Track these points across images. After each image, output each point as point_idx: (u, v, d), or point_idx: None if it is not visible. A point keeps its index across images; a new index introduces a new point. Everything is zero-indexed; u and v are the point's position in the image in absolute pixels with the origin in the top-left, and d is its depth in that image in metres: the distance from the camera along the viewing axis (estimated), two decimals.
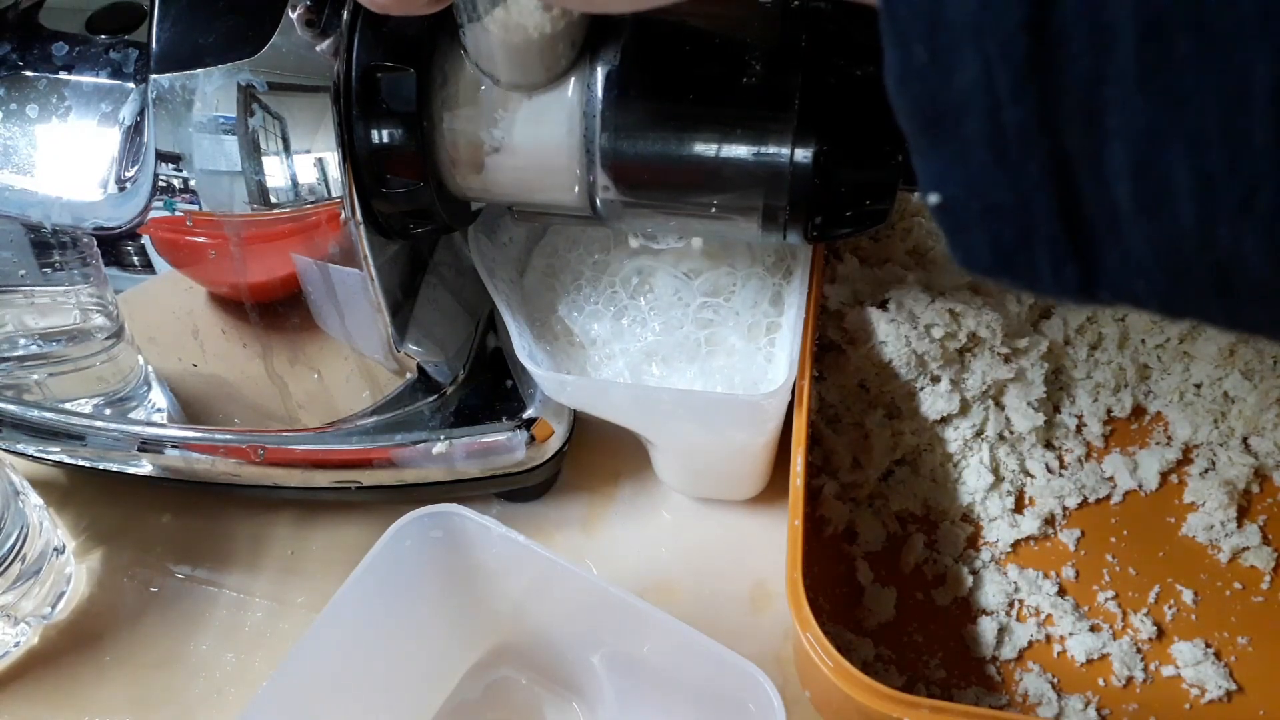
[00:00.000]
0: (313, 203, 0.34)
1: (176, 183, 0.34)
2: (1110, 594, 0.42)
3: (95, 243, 0.37)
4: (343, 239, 0.35)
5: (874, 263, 0.48)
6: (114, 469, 0.44)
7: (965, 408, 0.44)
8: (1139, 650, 0.40)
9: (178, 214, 0.35)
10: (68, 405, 0.43)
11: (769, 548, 0.45)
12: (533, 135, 0.34)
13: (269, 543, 0.46)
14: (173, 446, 0.43)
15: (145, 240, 0.36)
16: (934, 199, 0.18)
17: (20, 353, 0.41)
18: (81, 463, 0.44)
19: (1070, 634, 0.41)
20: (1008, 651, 0.40)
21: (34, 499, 0.43)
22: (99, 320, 0.40)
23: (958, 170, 0.18)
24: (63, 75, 0.36)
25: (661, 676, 0.35)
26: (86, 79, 0.36)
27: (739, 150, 0.32)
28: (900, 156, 0.33)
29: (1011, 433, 0.45)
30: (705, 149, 0.33)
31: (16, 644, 0.43)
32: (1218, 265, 0.17)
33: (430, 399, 0.42)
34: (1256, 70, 0.15)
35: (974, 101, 0.17)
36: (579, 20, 0.32)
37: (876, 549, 0.43)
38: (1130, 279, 0.18)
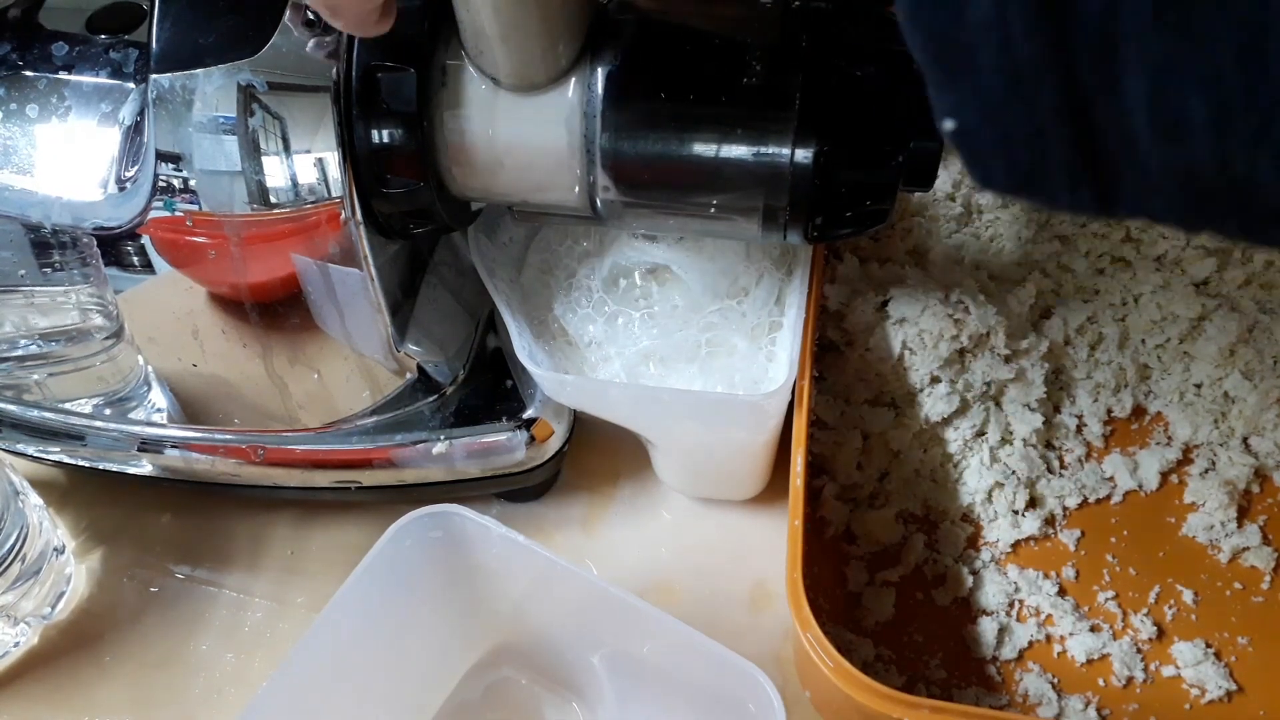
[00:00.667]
0: (313, 203, 0.34)
1: (176, 183, 0.34)
2: (1110, 594, 0.42)
3: (95, 243, 0.37)
4: (343, 239, 0.35)
5: (874, 263, 0.48)
6: (114, 469, 0.44)
7: (965, 408, 0.44)
8: (1139, 650, 0.40)
9: (178, 214, 0.35)
10: (68, 405, 0.43)
11: (769, 548, 0.45)
12: (533, 135, 0.34)
13: (269, 543, 0.46)
14: (172, 446, 0.43)
15: (145, 240, 0.36)
16: (949, 125, 0.18)
17: (20, 353, 0.41)
18: (81, 463, 0.44)
19: (1070, 634, 0.41)
20: (1008, 652, 0.40)
21: (34, 499, 0.43)
22: (99, 320, 0.40)
23: (972, 101, 0.18)
24: (63, 75, 0.36)
25: (661, 676, 0.35)
26: (86, 79, 0.36)
27: (739, 150, 0.32)
28: (900, 157, 0.33)
29: (1011, 433, 0.45)
30: (705, 149, 0.33)
31: (16, 644, 0.43)
32: (1234, 188, 0.17)
33: (430, 399, 0.42)
34: (1273, 1, 0.15)
35: (987, 36, 0.17)
36: (579, 19, 0.32)
37: (876, 549, 0.43)
38: (1148, 197, 0.18)
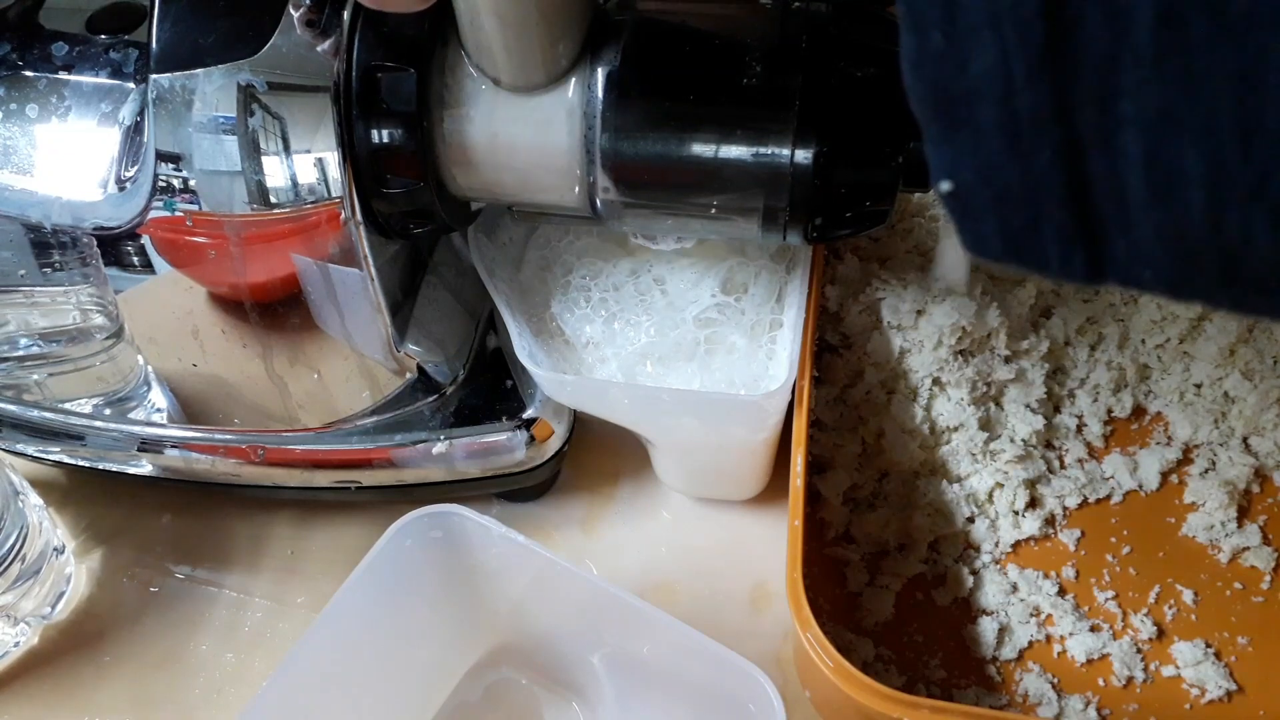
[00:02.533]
0: (313, 203, 0.34)
1: (176, 183, 0.34)
2: (1110, 594, 0.42)
3: (95, 243, 0.37)
4: (343, 239, 0.35)
5: (874, 263, 0.48)
6: (114, 469, 0.44)
7: (965, 408, 0.44)
8: (1139, 650, 0.40)
9: (178, 214, 0.35)
10: (68, 405, 0.43)
11: (769, 548, 0.45)
12: (533, 136, 0.34)
13: (269, 543, 0.46)
14: (173, 446, 0.43)
15: (145, 240, 0.36)
16: (945, 186, 0.19)
17: (20, 353, 0.41)
18: (81, 463, 0.44)
19: (1070, 634, 0.41)
20: (1008, 651, 0.40)
21: (34, 499, 0.43)
22: (99, 320, 0.40)
23: (970, 157, 0.18)
24: (63, 75, 0.36)
25: (661, 676, 0.35)
26: (86, 79, 0.36)
27: (739, 151, 0.32)
28: (900, 158, 0.33)
29: (1012, 433, 0.45)
30: (705, 150, 0.33)
31: (16, 644, 0.43)
32: (1226, 253, 0.17)
33: (430, 399, 0.42)
34: (1271, 54, 0.15)
35: (989, 87, 0.17)
36: (579, 19, 0.32)
37: (876, 549, 0.43)
38: (1138, 266, 0.18)
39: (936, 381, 0.44)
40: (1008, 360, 0.45)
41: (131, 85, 0.35)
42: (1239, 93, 0.15)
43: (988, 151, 0.18)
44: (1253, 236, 0.16)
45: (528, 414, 0.42)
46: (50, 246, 0.37)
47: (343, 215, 0.35)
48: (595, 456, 0.48)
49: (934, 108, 0.18)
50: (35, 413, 0.43)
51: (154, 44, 0.33)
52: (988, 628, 0.41)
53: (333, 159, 0.34)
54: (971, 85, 0.17)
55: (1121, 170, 0.17)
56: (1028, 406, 0.45)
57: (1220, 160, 0.16)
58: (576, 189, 0.35)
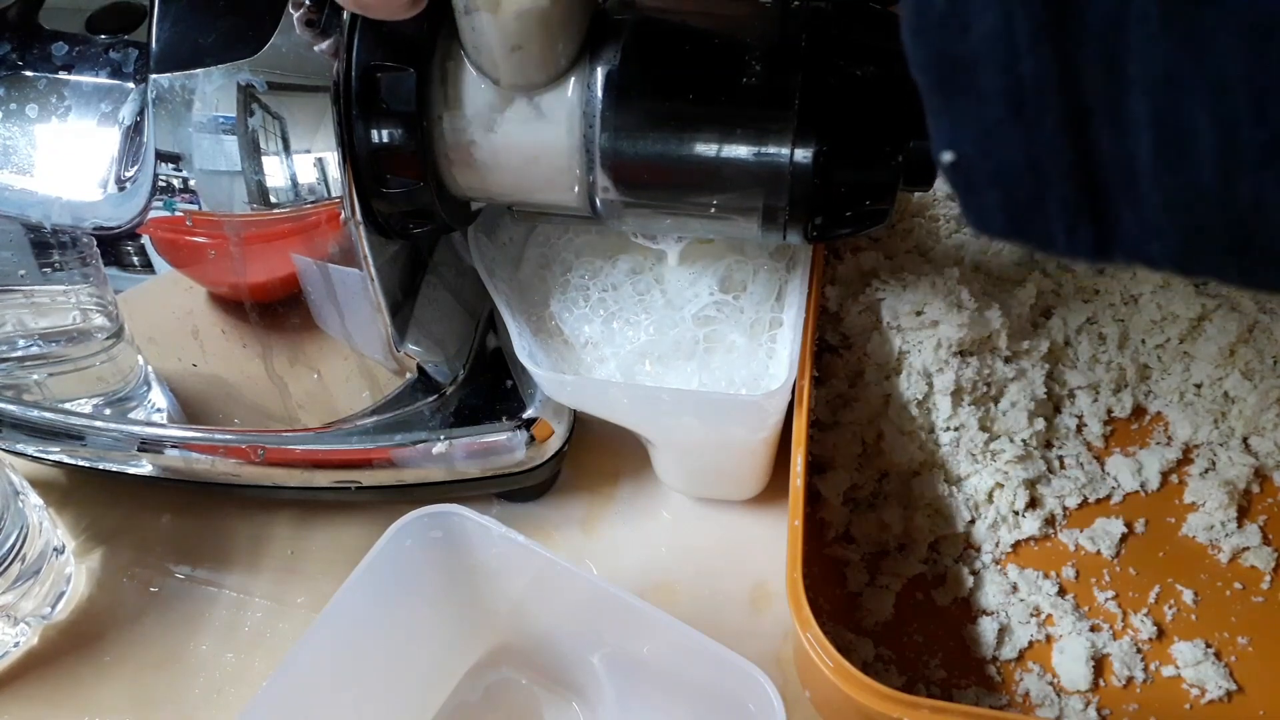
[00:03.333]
0: (312, 203, 0.34)
1: (176, 182, 0.34)
2: (1110, 594, 0.42)
3: (95, 242, 0.37)
4: (343, 239, 0.35)
5: (874, 263, 0.48)
6: (114, 469, 0.44)
7: (965, 408, 0.44)
8: (1139, 650, 0.40)
9: (177, 214, 0.35)
10: (68, 405, 0.43)
11: (769, 548, 0.45)
12: (533, 136, 0.34)
13: (269, 543, 0.46)
14: (172, 446, 0.43)
15: (145, 240, 0.36)
16: (947, 157, 0.18)
17: (20, 353, 0.41)
18: (81, 463, 0.44)
19: (1070, 634, 0.41)
20: (1008, 652, 0.40)
21: (34, 499, 0.43)
22: (99, 320, 0.40)
23: (972, 127, 0.17)
24: (62, 75, 0.36)
25: (661, 676, 0.35)
26: (86, 79, 0.36)
27: (739, 150, 0.32)
28: (900, 157, 0.33)
29: (1012, 433, 0.45)
30: (705, 149, 0.33)
31: (16, 644, 0.43)
32: (1237, 222, 0.16)
33: (430, 399, 0.42)
34: None
35: (991, 53, 0.16)
36: (578, 19, 0.32)
37: (876, 549, 0.43)
38: (1146, 240, 0.17)
39: (936, 381, 0.44)
40: (1008, 360, 0.45)
41: (131, 85, 0.35)
42: (1250, 49, 0.15)
43: (990, 121, 0.17)
44: (1265, 203, 0.16)
45: (528, 414, 0.42)
46: (50, 246, 0.37)
47: (343, 215, 0.35)
48: (595, 456, 0.48)
49: (935, 75, 0.17)
50: (35, 413, 0.43)
51: (154, 44, 0.33)
52: (988, 628, 0.41)
53: (333, 159, 0.34)
54: (973, 50, 0.17)
55: (1129, 137, 0.16)
56: (1028, 406, 0.45)
57: (1231, 122, 0.15)
58: (576, 189, 0.35)
